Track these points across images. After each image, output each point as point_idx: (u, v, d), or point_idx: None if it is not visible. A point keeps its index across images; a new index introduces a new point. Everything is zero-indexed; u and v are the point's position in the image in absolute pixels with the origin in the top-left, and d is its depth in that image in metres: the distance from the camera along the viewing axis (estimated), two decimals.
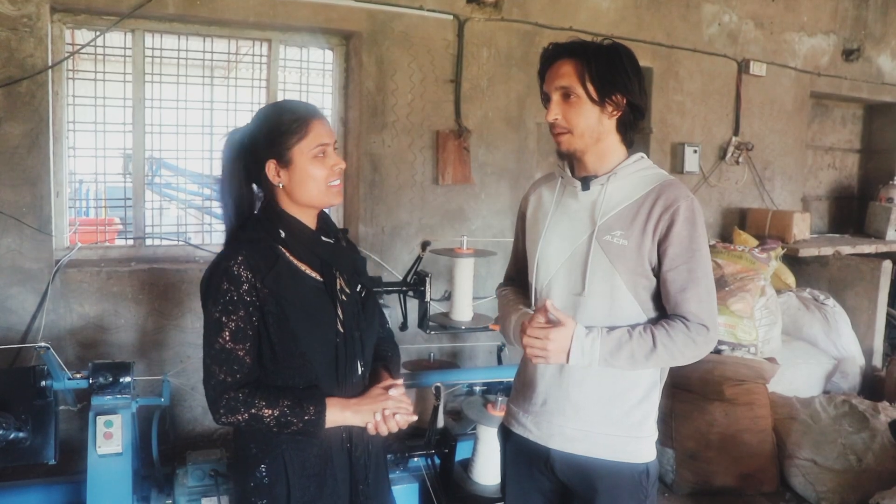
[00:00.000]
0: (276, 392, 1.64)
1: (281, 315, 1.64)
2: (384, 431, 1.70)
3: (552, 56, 1.80)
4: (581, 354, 1.70)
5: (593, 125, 1.77)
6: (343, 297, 1.75)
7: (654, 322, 1.77)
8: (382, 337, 1.95)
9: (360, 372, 1.77)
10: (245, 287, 1.62)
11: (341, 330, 1.72)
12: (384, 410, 1.70)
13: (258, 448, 1.70)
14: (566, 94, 1.76)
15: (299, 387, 1.67)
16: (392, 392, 1.74)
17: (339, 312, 1.73)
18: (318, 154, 1.68)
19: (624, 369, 1.76)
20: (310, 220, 1.76)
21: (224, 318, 1.62)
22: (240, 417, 1.62)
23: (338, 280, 1.76)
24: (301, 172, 1.68)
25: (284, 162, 1.67)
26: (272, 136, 1.67)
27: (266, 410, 1.61)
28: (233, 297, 1.61)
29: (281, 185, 1.70)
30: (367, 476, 1.79)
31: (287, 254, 1.70)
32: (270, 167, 1.68)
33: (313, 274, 1.72)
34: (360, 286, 1.83)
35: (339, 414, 1.67)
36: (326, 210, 1.83)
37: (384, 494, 1.91)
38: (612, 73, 1.74)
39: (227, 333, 1.62)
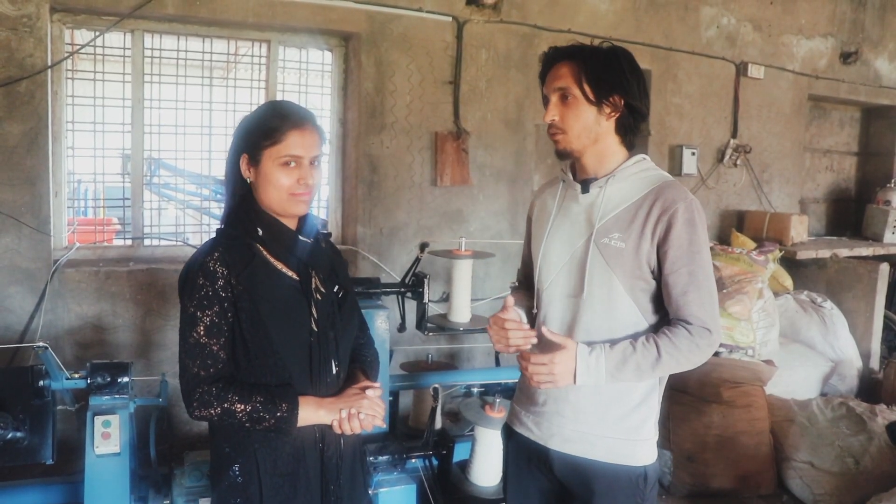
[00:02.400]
0: (249, 388, 1.65)
1: (254, 312, 1.65)
2: (347, 430, 1.70)
3: (551, 59, 1.82)
4: (587, 373, 1.70)
5: (590, 126, 1.78)
6: (318, 296, 1.75)
7: (654, 328, 1.78)
8: (362, 343, 1.95)
9: (334, 371, 1.77)
10: (220, 283, 1.64)
11: (315, 329, 1.73)
12: (350, 409, 1.70)
13: (231, 448, 1.71)
14: (564, 96, 1.78)
15: (272, 384, 1.68)
16: (368, 393, 1.74)
17: (314, 311, 1.73)
18: (286, 163, 1.68)
19: (631, 381, 1.76)
20: (289, 219, 1.76)
21: (199, 313, 1.63)
22: (212, 412, 1.62)
23: (313, 279, 1.76)
24: (265, 176, 1.69)
25: (254, 161, 1.70)
26: (254, 131, 1.70)
27: (238, 405, 1.62)
28: (208, 293, 1.63)
29: (249, 181, 1.72)
30: (338, 476, 1.78)
31: (264, 251, 1.71)
32: (243, 161, 1.71)
33: (289, 273, 1.73)
34: (336, 287, 1.83)
35: (312, 412, 1.68)
36: (313, 211, 1.83)
37: (358, 496, 1.89)
38: (609, 73, 1.75)
39: (201, 328, 1.63)
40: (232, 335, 1.66)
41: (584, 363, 1.70)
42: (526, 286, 2.08)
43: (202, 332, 1.63)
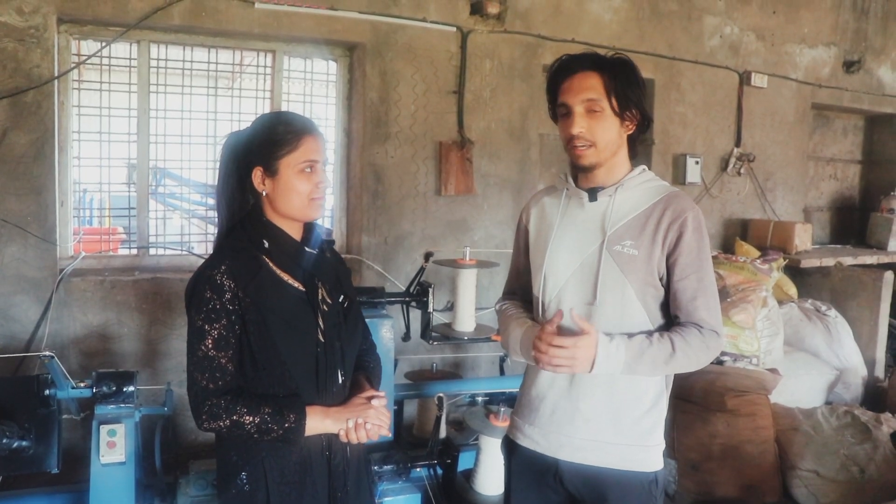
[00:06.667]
0: (257, 400, 1.67)
1: (261, 324, 1.67)
2: (354, 440, 1.72)
3: (571, 67, 1.80)
4: (606, 361, 1.71)
5: (614, 139, 1.80)
6: (324, 307, 1.77)
7: (664, 329, 1.80)
8: (365, 349, 1.97)
9: (340, 381, 1.79)
10: (228, 296, 1.65)
11: (322, 340, 1.75)
12: (357, 419, 1.72)
13: (238, 456, 1.72)
14: (591, 108, 1.77)
15: (280, 395, 1.70)
16: (374, 402, 1.76)
17: (320, 322, 1.75)
18: (304, 169, 1.71)
19: (643, 375, 1.79)
20: (295, 230, 1.78)
21: (207, 326, 1.65)
22: (221, 424, 1.64)
23: (319, 290, 1.78)
24: (285, 184, 1.70)
25: (271, 171, 1.71)
26: (264, 143, 1.71)
27: (247, 417, 1.63)
28: (215, 306, 1.65)
29: (265, 193, 1.73)
30: (345, 484, 1.80)
31: (270, 263, 1.73)
32: (257, 174, 1.72)
33: (295, 284, 1.75)
34: (342, 297, 1.85)
35: (319, 422, 1.70)
36: (319, 221, 1.86)
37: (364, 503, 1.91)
38: (631, 87, 1.78)
39: (209, 341, 1.65)
40: (239, 347, 1.68)
41: (604, 351, 1.70)
42: (521, 297, 2.08)
43: (210, 346, 1.65)
